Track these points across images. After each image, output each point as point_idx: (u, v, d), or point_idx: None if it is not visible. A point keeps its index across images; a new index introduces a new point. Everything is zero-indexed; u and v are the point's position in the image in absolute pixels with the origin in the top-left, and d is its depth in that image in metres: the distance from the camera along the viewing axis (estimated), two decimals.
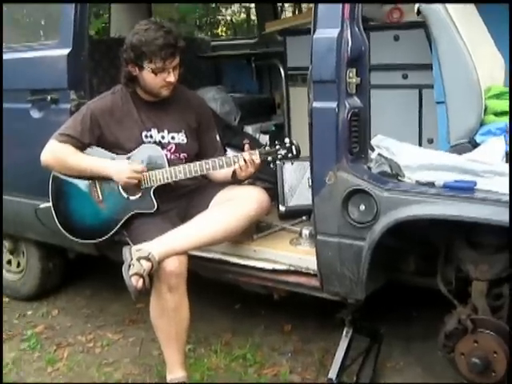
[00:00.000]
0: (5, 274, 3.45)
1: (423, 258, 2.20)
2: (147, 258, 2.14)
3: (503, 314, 1.98)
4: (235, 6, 9.52)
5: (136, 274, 2.09)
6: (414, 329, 2.72)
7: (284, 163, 2.67)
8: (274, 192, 2.80)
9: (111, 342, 2.88)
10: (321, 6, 1.97)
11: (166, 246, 2.21)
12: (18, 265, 3.40)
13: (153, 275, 2.20)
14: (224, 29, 9.74)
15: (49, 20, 2.98)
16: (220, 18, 9.73)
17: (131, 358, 2.73)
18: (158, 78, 2.36)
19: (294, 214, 2.72)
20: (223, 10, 9.66)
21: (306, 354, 2.66)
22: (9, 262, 3.44)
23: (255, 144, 2.68)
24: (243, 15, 9.83)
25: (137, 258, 2.14)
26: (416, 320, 2.79)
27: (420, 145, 2.80)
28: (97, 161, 2.43)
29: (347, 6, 1.91)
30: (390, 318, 2.71)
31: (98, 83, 3.13)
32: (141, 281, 2.10)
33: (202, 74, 4.11)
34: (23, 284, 3.36)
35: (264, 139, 3.52)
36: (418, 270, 2.25)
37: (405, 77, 2.88)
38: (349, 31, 1.92)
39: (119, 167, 2.38)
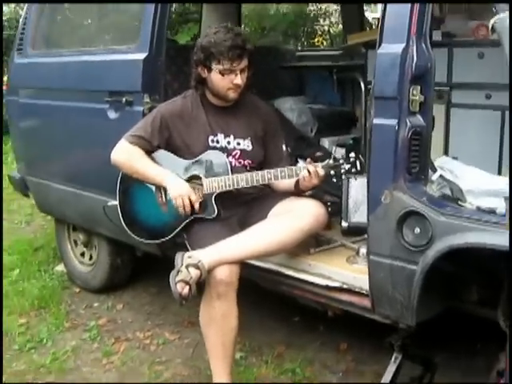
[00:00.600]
0: (78, 265, 3.61)
1: (487, 288, 2.09)
2: (196, 266, 2.15)
3: None
4: (334, 17, 9.49)
5: (182, 280, 2.11)
6: (476, 362, 2.58)
7: (349, 178, 2.62)
8: (339, 206, 2.76)
9: (167, 342, 2.93)
10: (387, 20, 1.92)
11: (218, 255, 2.21)
12: (90, 258, 3.54)
13: (204, 282, 2.23)
14: (321, 39, 9.73)
15: (131, 25, 3.08)
16: (317, 28, 9.72)
17: (183, 359, 2.77)
18: (226, 80, 2.38)
19: (356, 231, 2.64)
20: (321, 21, 9.65)
21: (358, 375, 2.59)
22: (82, 255, 3.60)
23: (328, 157, 2.64)
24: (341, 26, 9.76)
25: (186, 265, 2.16)
26: (480, 353, 2.64)
27: (500, 169, 2.67)
28: (162, 172, 2.46)
29: (415, 20, 1.85)
30: (452, 348, 2.60)
31: (179, 87, 3.20)
32: (186, 288, 2.11)
33: (285, 83, 4.13)
34: (93, 276, 3.49)
35: (340, 152, 3.47)
36: (480, 300, 2.14)
37: (488, 97, 2.74)
38: (415, 47, 1.86)
39: (179, 188, 2.41)
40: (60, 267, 3.80)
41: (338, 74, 3.95)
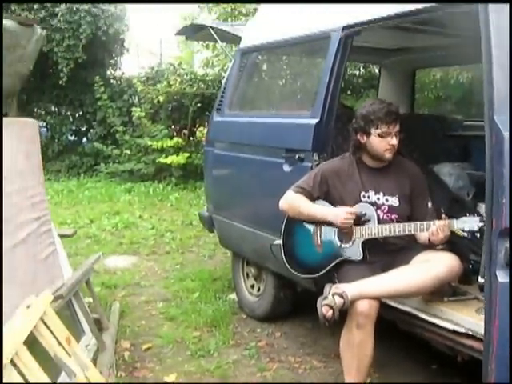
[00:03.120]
0: (247, 295, 4.18)
1: None
2: (341, 295, 2.58)
3: None
4: None
5: (327, 304, 2.55)
6: None
7: None
8: None
9: (313, 368, 3.34)
10: None
11: (360, 290, 2.62)
12: (259, 289, 4.08)
13: (346, 311, 2.63)
14: None
15: (308, 95, 3.64)
16: None
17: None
18: (383, 142, 2.83)
19: None
20: None
21: None
22: (252, 286, 4.15)
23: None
24: None
25: (332, 293, 2.60)
26: None
27: None
28: (320, 208, 2.95)
29: None
30: None
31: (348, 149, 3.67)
32: (330, 311, 2.54)
33: (449, 150, 4.41)
34: (259, 306, 4.02)
35: None
36: None
37: None
38: None
39: (336, 211, 2.88)
40: (232, 296, 4.40)
41: None
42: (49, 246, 3.17)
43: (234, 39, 5.63)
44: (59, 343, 2.56)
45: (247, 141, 3.83)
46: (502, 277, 1.71)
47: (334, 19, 3.26)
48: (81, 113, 11.12)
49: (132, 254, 5.80)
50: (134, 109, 9.86)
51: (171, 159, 9.25)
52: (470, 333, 2.52)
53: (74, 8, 9.60)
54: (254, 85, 4.33)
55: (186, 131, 10.12)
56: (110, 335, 3.61)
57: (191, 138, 10.14)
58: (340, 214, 2.84)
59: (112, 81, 11.08)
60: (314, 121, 3.19)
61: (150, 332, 3.86)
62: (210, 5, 8.85)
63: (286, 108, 3.87)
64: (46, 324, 2.54)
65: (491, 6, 1.75)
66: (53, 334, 2.56)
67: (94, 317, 3.60)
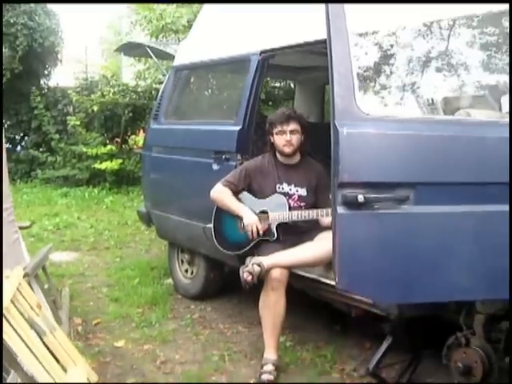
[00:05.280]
0: (182, 278, 4.82)
1: None
2: (258, 264, 3.28)
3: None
4: None
5: (247, 271, 3.25)
6: None
7: None
8: None
9: (239, 332, 4.05)
10: None
11: (274, 260, 3.33)
12: (192, 273, 4.73)
13: (263, 279, 3.33)
14: None
15: (232, 106, 4.35)
16: None
17: (249, 342, 3.87)
18: (281, 139, 3.58)
19: None
20: None
21: None
22: (186, 271, 4.80)
23: None
24: None
25: (252, 263, 3.30)
26: None
27: None
28: (239, 206, 3.64)
29: None
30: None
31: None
32: (250, 277, 3.24)
33: None
34: (192, 287, 4.68)
35: None
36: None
37: None
38: None
39: (250, 217, 3.57)
40: (169, 280, 5.03)
41: None
42: (14, 234, 3.73)
43: (167, 56, 6.32)
44: (31, 308, 3.14)
45: (181, 145, 4.50)
46: (339, 210, 2.32)
47: (253, 44, 3.99)
48: (15, 121, 11.43)
49: (74, 250, 6.33)
50: (69, 117, 10.33)
51: (105, 165, 9.76)
52: None
53: (12, 21, 10.01)
54: (186, 97, 5.01)
55: (118, 139, 10.67)
56: (64, 312, 4.17)
57: (124, 146, 10.69)
58: (251, 222, 3.54)
59: (46, 91, 11.46)
60: (238, 128, 3.91)
61: (98, 311, 4.45)
62: (143, 21, 9.46)
63: (214, 117, 4.57)
64: (20, 292, 3.13)
65: (332, 34, 2.42)
66: (26, 300, 3.14)
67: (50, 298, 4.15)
